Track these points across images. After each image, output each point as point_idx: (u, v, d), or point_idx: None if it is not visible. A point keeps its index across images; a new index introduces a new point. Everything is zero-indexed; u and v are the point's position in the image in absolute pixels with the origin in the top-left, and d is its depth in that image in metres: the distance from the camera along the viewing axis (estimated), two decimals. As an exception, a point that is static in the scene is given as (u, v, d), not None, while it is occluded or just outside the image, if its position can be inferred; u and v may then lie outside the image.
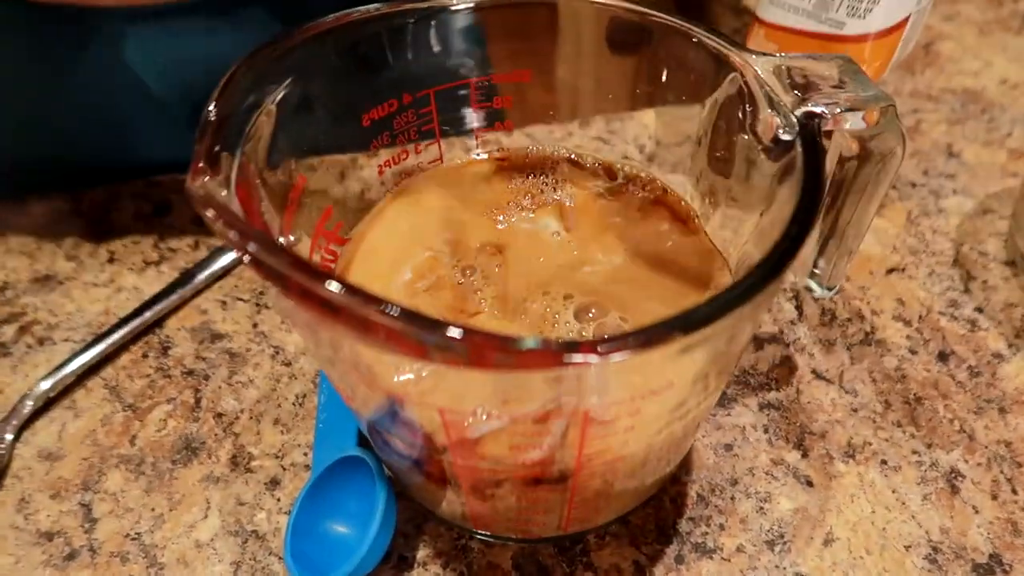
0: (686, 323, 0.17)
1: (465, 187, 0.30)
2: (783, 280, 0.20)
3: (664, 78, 0.28)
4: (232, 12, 0.41)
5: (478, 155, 0.31)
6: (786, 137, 0.23)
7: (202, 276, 0.38)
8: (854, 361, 0.33)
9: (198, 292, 0.37)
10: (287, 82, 0.23)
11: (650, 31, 0.27)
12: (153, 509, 0.30)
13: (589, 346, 0.16)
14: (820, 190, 0.20)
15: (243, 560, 0.28)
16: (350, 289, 0.17)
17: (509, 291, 0.27)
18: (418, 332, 0.16)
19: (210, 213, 0.18)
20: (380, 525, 0.27)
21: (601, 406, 0.19)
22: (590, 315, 0.26)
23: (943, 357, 0.34)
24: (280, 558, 0.28)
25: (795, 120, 0.23)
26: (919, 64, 0.49)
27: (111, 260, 0.39)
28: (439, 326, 0.16)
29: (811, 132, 0.22)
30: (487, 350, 0.16)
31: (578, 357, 0.16)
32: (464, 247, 0.28)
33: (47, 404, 0.33)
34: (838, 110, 0.23)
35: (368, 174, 0.29)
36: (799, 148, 0.22)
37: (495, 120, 0.31)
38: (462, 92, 0.29)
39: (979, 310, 0.35)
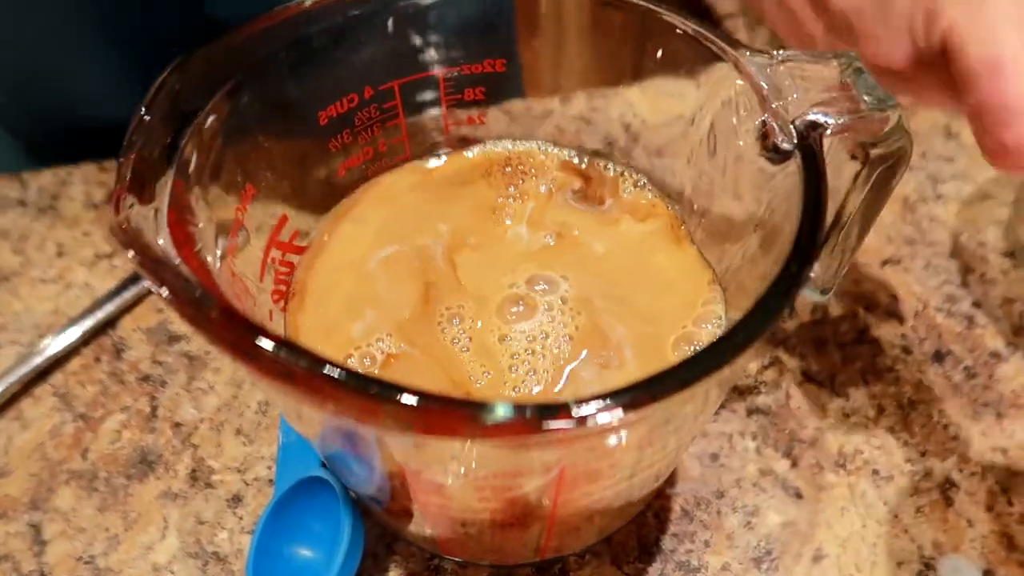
0: (683, 377, 0.15)
1: (435, 190, 0.28)
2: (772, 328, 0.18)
3: (653, 73, 0.26)
4: None
5: (446, 153, 0.29)
6: (785, 147, 0.21)
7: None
8: (846, 362, 0.32)
9: (149, 293, 0.35)
10: (228, 86, 0.21)
11: (640, 21, 0.24)
12: (107, 529, 0.28)
13: (565, 412, 0.15)
14: (819, 227, 0.18)
15: (203, 585, 0.27)
16: (292, 349, 0.15)
17: (478, 293, 0.25)
18: (366, 400, 0.14)
19: (132, 254, 0.16)
20: (347, 552, 0.25)
21: (579, 461, 0.18)
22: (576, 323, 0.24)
23: (939, 357, 0.32)
24: (243, 583, 0.27)
25: (793, 131, 0.21)
26: (917, 34, 0.46)
27: (60, 254, 0.37)
28: (389, 392, 0.14)
29: (811, 148, 0.20)
30: (450, 420, 0.14)
31: (556, 423, 0.15)
32: (433, 254, 0.26)
33: (-8, 415, 0.31)
34: (840, 120, 0.21)
35: (327, 176, 0.26)
36: (799, 163, 0.20)
37: (467, 113, 0.28)
38: (430, 83, 0.27)
39: (977, 305, 0.34)
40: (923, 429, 0.30)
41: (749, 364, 0.31)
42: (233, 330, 0.15)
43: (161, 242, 0.17)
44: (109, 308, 0.34)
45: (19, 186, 0.40)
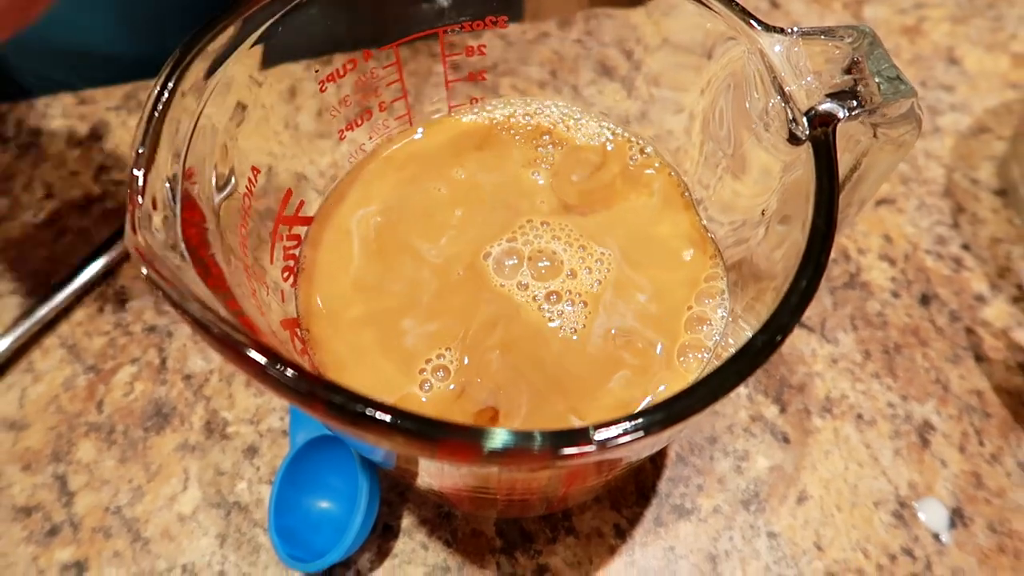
0: (697, 401, 0.16)
1: (436, 155, 0.27)
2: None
3: (663, 39, 0.25)
4: None
5: (442, 114, 0.28)
6: (797, 133, 0.21)
7: (153, 216, 0.35)
8: (837, 307, 0.33)
9: (150, 235, 0.35)
10: (233, 58, 0.20)
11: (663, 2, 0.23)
12: (130, 481, 0.30)
13: (585, 439, 0.15)
14: (830, 237, 0.18)
15: (228, 533, 0.29)
16: (301, 374, 0.15)
17: (477, 245, 0.25)
18: (380, 428, 0.15)
19: (147, 271, 0.16)
20: (366, 506, 0.27)
21: (595, 466, 0.19)
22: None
23: (925, 300, 0.33)
24: (265, 530, 0.29)
25: (806, 122, 0.21)
26: (927, -56, 0.44)
27: (48, 195, 0.36)
28: (405, 422, 0.15)
29: (825, 143, 0.20)
30: (462, 452, 0.15)
31: (572, 450, 0.15)
32: (439, 221, 0.26)
33: (2, 367, 0.32)
34: (851, 111, 0.20)
35: (327, 144, 0.26)
36: (810, 155, 0.20)
37: (468, 72, 0.27)
38: (430, 43, 0.26)
39: (966, 247, 0.34)
40: (906, 373, 0.32)
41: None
42: (257, 367, 0.15)
43: (175, 248, 0.17)
44: (108, 255, 0.34)
45: (-4, 120, 0.38)
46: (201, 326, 0.16)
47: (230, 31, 0.20)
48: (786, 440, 0.30)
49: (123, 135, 0.38)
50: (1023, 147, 0.34)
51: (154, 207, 0.18)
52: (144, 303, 0.33)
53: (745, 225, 0.24)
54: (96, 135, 0.38)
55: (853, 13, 0.42)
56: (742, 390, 0.31)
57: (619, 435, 0.16)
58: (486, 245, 0.25)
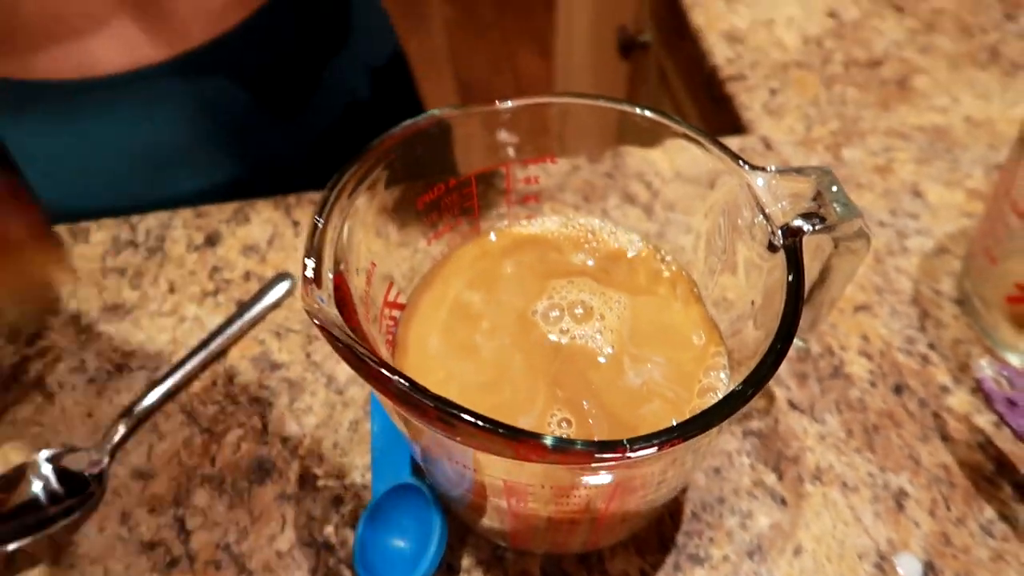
0: (700, 426, 0.23)
1: (498, 254, 0.35)
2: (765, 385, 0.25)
3: (675, 173, 0.33)
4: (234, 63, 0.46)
5: (504, 226, 0.36)
6: (775, 243, 0.29)
7: (258, 308, 0.43)
8: (824, 393, 0.40)
9: (255, 323, 0.42)
10: (363, 188, 0.28)
11: (664, 134, 0.31)
12: (237, 523, 0.36)
13: (620, 448, 0.22)
14: (794, 320, 0.25)
15: (318, 567, 0.34)
16: (415, 387, 0.22)
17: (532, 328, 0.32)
18: (472, 431, 0.22)
19: (317, 322, 0.23)
20: (437, 544, 0.33)
21: (628, 477, 0.25)
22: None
23: (898, 390, 0.40)
24: (349, 566, 0.34)
25: (781, 234, 0.28)
26: (894, 100, 0.54)
27: (171, 290, 0.44)
28: (491, 428, 0.21)
29: (794, 250, 0.27)
30: (532, 451, 0.22)
31: (609, 455, 0.22)
32: (497, 308, 0.33)
33: (134, 427, 0.39)
34: (815, 227, 0.28)
35: (420, 245, 0.34)
36: (784, 260, 0.28)
37: (526, 197, 0.36)
38: (499, 174, 0.34)
39: (931, 346, 0.41)
40: (883, 449, 0.38)
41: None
42: (401, 393, 0.22)
43: (334, 314, 0.25)
44: (219, 340, 0.41)
45: (129, 229, 0.47)
46: (351, 353, 0.23)
47: (367, 163, 0.28)
48: (783, 502, 0.36)
49: (232, 242, 0.46)
50: (973, 266, 0.42)
51: (318, 285, 0.25)
52: (249, 378, 0.40)
53: (740, 318, 0.31)
54: (211, 242, 0.46)
55: (833, 154, 0.50)
56: (745, 460, 0.37)
57: (643, 447, 0.22)
58: (532, 304, 0.32)
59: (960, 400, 0.39)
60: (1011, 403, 0.35)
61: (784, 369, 0.41)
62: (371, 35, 0.59)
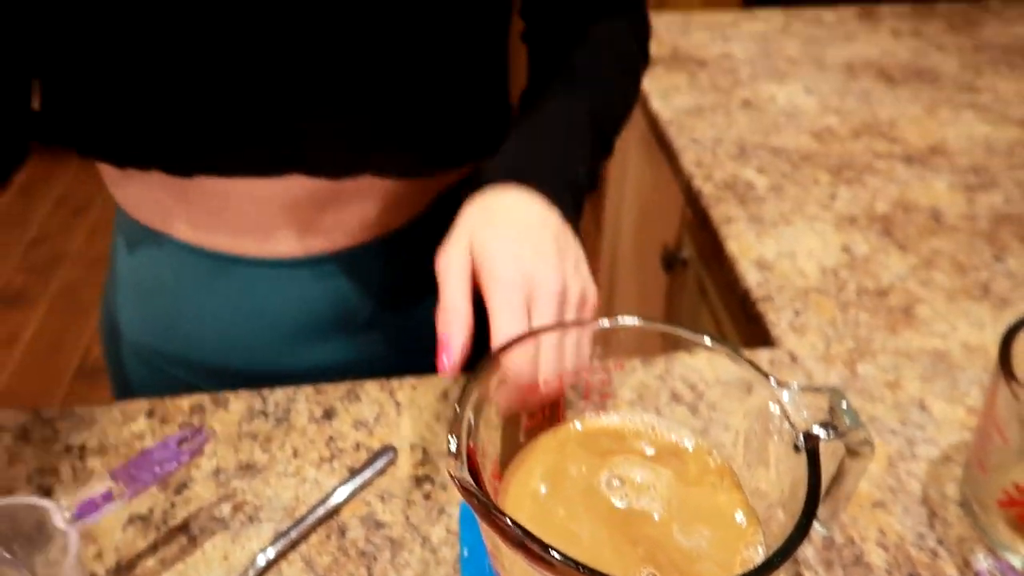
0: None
1: (580, 439, 0.44)
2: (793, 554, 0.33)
3: (716, 379, 0.42)
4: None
5: (584, 420, 0.45)
6: (799, 445, 0.37)
7: (366, 475, 0.51)
8: (846, 578, 0.46)
9: (363, 487, 0.51)
10: (483, 387, 0.38)
11: (707, 350, 0.41)
12: (345, 660, 0.42)
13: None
14: (813, 511, 0.34)
15: None
16: (529, 537, 0.30)
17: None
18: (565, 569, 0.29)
19: (457, 485, 0.32)
20: None
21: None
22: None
23: (911, 579, 0.46)
24: None
25: (803, 438, 0.37)
26: (900, 325, 0.64)
27: (295, 455, 0.53)
28: (579, 568, 0.29)
29: (814, 452, 0.36)
30: None
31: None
32: (572, 482, 0.42)
33: (262, 573, 0.46)
34: (830, 435, 0.37)
35: (514, 434, 0.43)
36: (805, 460, 0.36)
37: (599, 396, 0.45)
38: (580, 377, 0.44)
39: (939, 542, 0.48)
40: (900, 631, 0.44)
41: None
42: (505, 529, 0.30)
43: (469, 479, 0.33)
44: (334, 501, 0.50)
45: (261, 401, 0.57)
46: (485, 508, 0.31)
47: (487, 369, 0.38)
48: (813, 673, 0.42)
49: (345, 416, 0.55)
50: (969, 474, 0.49)
51: (458, 458, 0.34)
52: (357, 535, 0.48)
53: (771, 505, 0.39)
54: (328, 415, 0.56)
55: (850, 370, 0.60)
56: (779, 632, 0.43)
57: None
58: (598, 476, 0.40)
59: (966, 592, 0.46)
60: (1005, 594, 0.41)
61: (812, 556, 0.47)
62: None
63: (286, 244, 0.58)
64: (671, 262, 0.91)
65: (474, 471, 0.35)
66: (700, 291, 0.85)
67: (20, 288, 2.21)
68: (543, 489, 0.41)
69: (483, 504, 0.32)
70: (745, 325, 0.69)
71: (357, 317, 0.62)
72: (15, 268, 2.28)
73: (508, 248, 0.43)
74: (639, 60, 0.61)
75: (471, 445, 0.36)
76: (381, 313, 0.63)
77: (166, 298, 0.62)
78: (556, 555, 0.30)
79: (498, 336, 0.42)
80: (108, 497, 0.44)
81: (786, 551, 0.32)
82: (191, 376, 0.64)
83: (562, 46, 0.59)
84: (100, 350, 0.74)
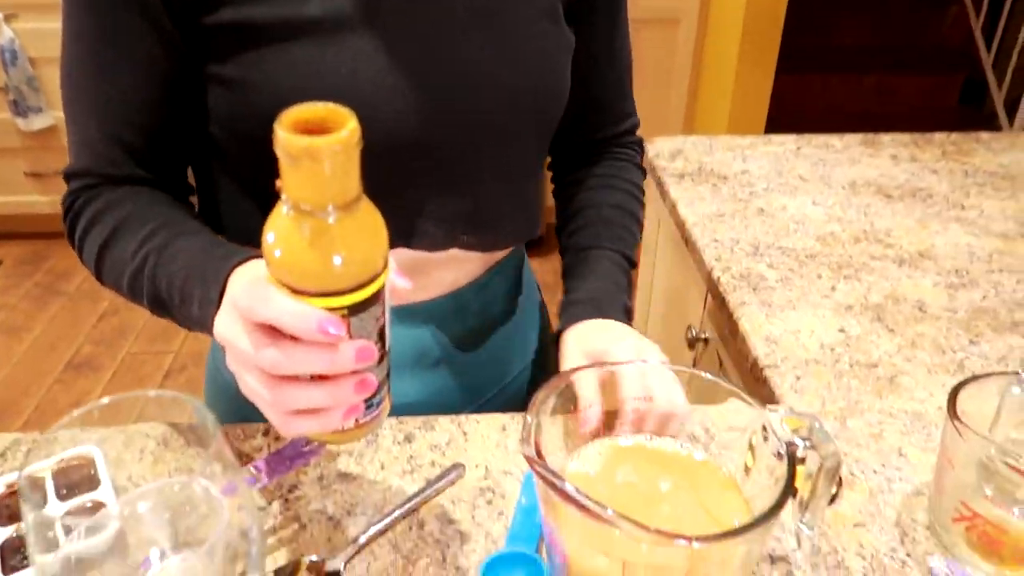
0: (739, 531, 0.43)
1: (616, 453, 0.56)
2: (776, 519, 0.45)
3: (725, 424, 0.55)
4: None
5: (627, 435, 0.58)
6: (781, 452, 0.49)
7: (439, 484, 0.63)
8: (830, 578, 0.57)
9: (437, 493, 0.63)
10: (544, 405, 0.51)
11: (718, 392, 0.54)
12: (425, 617, 0.54)
13: (687, 538, 0.42)
14: (790, 486, 0.46)
15: (479, 650, 0.51)
16: (582, 493, 0.43)
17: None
18: (610, 517, 0.42)
19: (529, 461, 0.45)
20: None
21: (694, 568, 0.44)
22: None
23: (884, 581, 0.56)
24: (500, 651, 0.51)
25: (785, 448, 0.49)
26: (886, 391, 0.75)
27: (382, 467, 0.66)
28: (623, 521, 0.41)
29: (792, 458, 0.48)
30: (643, 530, 0.41)
31: (682, 541, 0.42)
32: (612, 473, 0.54)
33: (359, 551, 0.58)
34: (805, 445, 0.49)
35: (567, 446, 0.55)
36: (785, 463, 0.48)
37: (633, 421, 0.58)
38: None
39: (908, 555, 0.58)
40: (872, 619, 0.54)
41: (766, 538, 0.56)
42: (564, 491, 0.43)
43: (537, 458, 0.46)
44: (412, 503, 0.62)
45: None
46: (546, 475, 0.44)
47: (551, 387, 0.52)
48: (799, 645, 0.52)
49: (423, 441, 0.68)
50: (932, 499, 0.60)
51: (529, 444, 0.47)
52: (432, 528, 0.60)
53: (764, 502, 0.51)
54: (408, 439, 0.68)
55: (841, 423, 0.71)
56: (773, 614, 0.54)
57: (697, 539, 0.42)
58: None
59: (929, 593, 0.56)
60: (953, 585, 0.52)
61: (802, 559, 0.58)
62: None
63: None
64: (694, 341, 1.04)
65: (539, 453, 0.48)
66: (719, 364, 0.97)
67: (88, 356, 2.40)
68: (591, 473, 0.54)
69: (542, 468, 0.45)
70: (754, 388, 0.81)
71: (431, 356, 0.76)
72: (85, 338, 2.48)
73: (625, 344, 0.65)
74: (642, 184, 0.86)
75: (538, 439, 0.49)
76: (450, 353, 0.77)
77: None
78: (588, 500, 0.42)
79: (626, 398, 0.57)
80: (251, 481, 0.57)
81: (769, 514, 0.44)
82: None
83: (585, 176, 0.83)
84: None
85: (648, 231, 1.40)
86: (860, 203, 1.13)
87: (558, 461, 0.55)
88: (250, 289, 0.44)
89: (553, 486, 0.44)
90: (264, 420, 0.78)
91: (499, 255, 0.78)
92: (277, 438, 0.68)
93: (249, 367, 0.45)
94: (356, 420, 0.48)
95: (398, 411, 0.73)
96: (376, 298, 0.45)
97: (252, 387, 0.46)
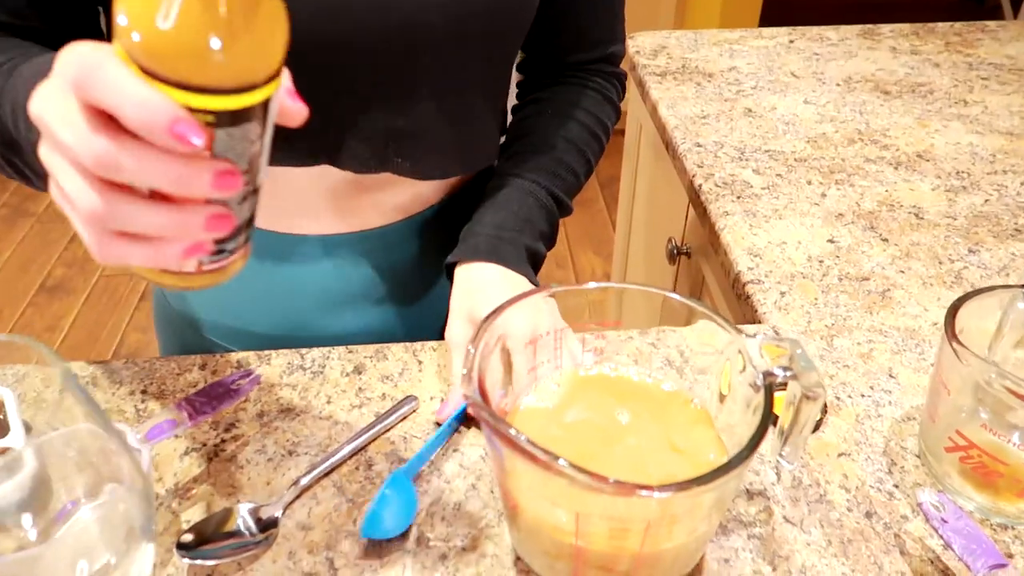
0: (705, 479, 0.37)
1: (576, 384, 0.51)
2: (749, 463, 0.39)
3: (700, 344, 0.49)
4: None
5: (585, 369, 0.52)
6: (757, 383, 0.44)
7: (390, 419, 0.58)
8: (811, 512, 0.52)
9: (387, 429, 0.58)
10: (491, 332, 0.45)
11: (693, 314, 0.48)
12: (370, 565, 0.49)
13: (649, 488, 0.36)
14: (766, 425, 0.40)
15: (428, 601, 0.47)
16: (530, 443, 0.37)
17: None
18: (561, 468, 0.36)
19: (468, 403, 0.39)
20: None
21: (658, 518, 0.39)
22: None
23: (868, 515, 0.52)
24: (450, 602, 0.47)
25: (762, 377, 0.43)
26: (877, 306, 0.70)
27: (328, 402, 0.60)
28: (576, 468, 0.36)
29: (769, 389, 0.43)
30: (599, 483, 0.36)
31: (644, 492, 0.36)
32: (570, 410, 0.48)
33: (300, 494, 0.53)
34: (786, 375, 0.43)
35: (522, 374, 0.50)
36: (762, 395, 0.43)
37: (596, 349, 0.52)
38: (579, 336, 0.51)
39: (896, 486, 0.54)
40: (855, 557, 0.50)
41: (736, 484, 0.52)
42: (501, 428, 0.37)
43: (479, 397, 0.40)
44: (362, 439, 0.57)
45: (300, 357, 0.64)
46: (490, 419, 0.38)
47: (495, 317, 0.45)
48: (775, 587, 0.48)
49: (373, 372, 0.63)
50: (924, 426, 0.55)
51: (470, 382, 0.41)
52: (383, 467, 0.55)
53: (740, 437, 0.45)
54: (358, 371, 0.63)
55: (827, 343, 0.66)
56: (748, 555, 0.50)
57: (662, 489, 0.37)
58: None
59: (916, 527, 0.51)
60: (943, 520, 0.47)
61: (781, 493, 0.54)
62: None
63: (326, 223, 0.66)
64: (675, 255, 0.98)
65: (483, 393, 0.42)
66: (700, 279, 0.91)
67: (60, 279, 2.33)
68: (549, 407, 0.48)
69: (485, 412, 0.39)
70: (736, 306, 0.75)
71: (384, 288, 0.70)
72: (58, 260, 2.40)
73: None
74: (610, 123, 0.75)
75: (482, 376, 0.43)
76: (405, 286, 0.71)
77: None
78: (536, 449, 0.37)
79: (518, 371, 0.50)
80: (172, 424, 0.51)
81: (740, 457, 0.39)
82: (234, 343, 0.72)
83: (543, 99, 0.73)
84: (137, 338, 0.82)
85: (629, 136, 1.31)
86: (855, 101, 1.05)
87: (511, 393, 0.50)
88: (87, 57, 0.31)
89: (499, 433, 0.38)
90: (208, 349, 0.73)
91: (454, 181, 0.71)
92: (215, 372, 0.63)
93: (69, 159, 0.33)
94: (199, 263, 0.37)
95: (348, 342, 0.67)
96: (256, 113, 0.34)
97: (68, 190, 0.34)
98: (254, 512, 0.51)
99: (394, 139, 0.61)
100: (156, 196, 0.34)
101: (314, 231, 0.67)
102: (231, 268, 0.40)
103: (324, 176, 0.64)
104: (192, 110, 0.32)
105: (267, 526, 0.51)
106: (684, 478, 0.45)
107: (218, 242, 0.37)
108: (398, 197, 0.67)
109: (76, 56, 0.32)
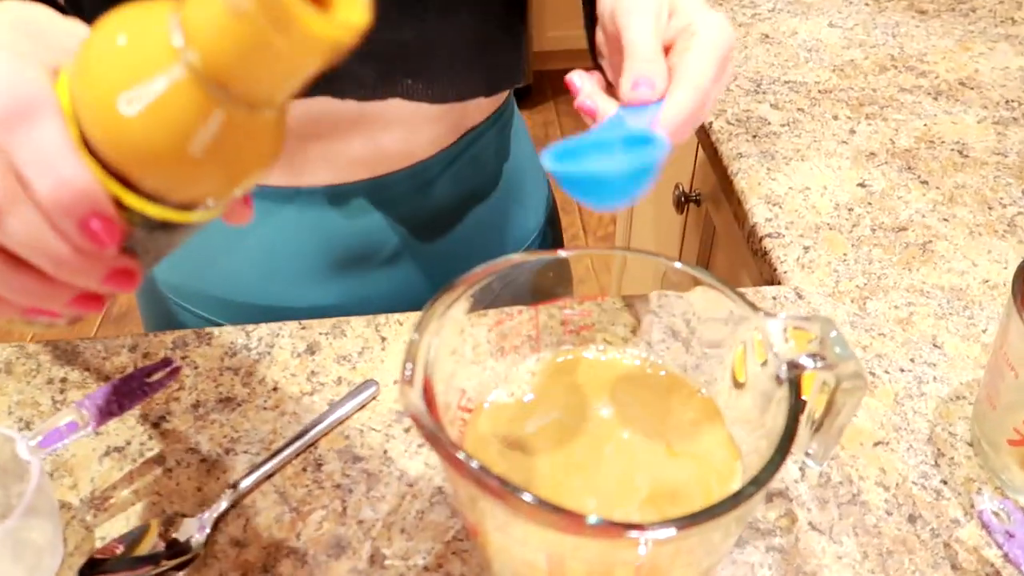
0: (717, 511, 0.28)
1: (550, 369, 0.42)
2: (771, 482, 0.31)
3: (709, 314, 0.40)
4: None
5: (561, 351, 0.43)
6: (781, 375, 0.35)
7: (345, 409, 0.50)
8: (842, 517, 0.44)
9: (342, 421, 0.50)
10: (449, 313, 0.36)
11: (697, 283, 0.39)
12: (314, 591, 0.41)
13: (640, 528, 0.28)
14: (793, 432, 0.31)
15: (380, 636, 0.39)
16: (487, 473, 0.28)
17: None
18: (527, 503, 0.27)
19: (409, 416, 0.30)
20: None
21: (651, 561, 0.30)
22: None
23: (912, 519, 0.44)
24: (407, 637, 0.39)
25: (786, 368, 0.34)
26: (916, 261, 0.60)
27: (275, 389, 0.52)
28: (544, 506, 0.27)
29: (795, 382, 0.33)
30: (575, 524, 0.27)
31: (634, 534, 0.28)
32: (547, 404, 0.40)
33: (235, 502, 0.45)
34: (817, 365, 0.34)
35: (491, 362, 0.41)
36: (787, 391, 0.34)
37: (581, 328, 0.43)
38: (559, 307, 0.42)
39: (944, 482, 0.45)
40: (896, 573, 0.41)
41: (754, 511, 0.43)
42: (458, 464, 0.29)
43: (423, 408, 0.31)
44: (312, 433, 0.48)
45: (245, 335, 0.55)
46: (435, 438, 0.29)
47: (454, 294, 0.36)
48: (800, 613, 0.40)
49: (329, 352, 0.54)
50: (980, 411, 0.46)
51: (411, 385, 0.32)
52: (334, 467, 0.47)
53: (758, 437, 0.36)
54: (311, 351, 0.54)
55: (859, 306, 0.56)
56: (767, 572, 0.41)
57: (659, 527, 0.28)
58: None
59: (970, 533, 0.43)
60: (1009, 535, 0.39)
61: (806, 493, 0.45)
62: None
63: (315, 174, 0.57)
64: (683, 202, 0.87)
65: (429, 400, 0.33)
66: (711, 231, 0.81)
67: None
68: (524, 400, 0.40)
69: (431, 432, 0.30)
70: (752, 263, 0.65)
71: (382, 250, 0.61)
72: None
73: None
74: None
75: (429, 374, 0.34)
76: (405, 247, 0.61)
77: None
78: (492, 478, 0.28)
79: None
80: (73, 427, 0.43)
81: (759, 481, 0.30)
82: (216, 314, 0.63)
83: None
84: (127, 297, 0.73)
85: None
86: (887, 22, 0.93)
87: (477, 385, 0.41)
88: (24, 88, 0.25)
89: (449, 458, 0.30)
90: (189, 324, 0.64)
91: (464, 120, 0.60)
92: (146, 354, 0.54)
93: None
94: (45, 321, 0.33)
95: (334, 313, 0.58)
96: (196, 227, 0.30)
97: None
98: (178, 527, 0.43)
99: (400, 57, 0.52)
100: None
101: (300, 183, 0.57)
102: (82, 316, 0.34)
103: (315, 112, 0.53)
104: (121, 206, 0.27)
105: (192, 546, 0.43)
106: (685, 494, 0.36)
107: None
108: (394, 139, 0.56)
109: (7, 65, 0.25)
